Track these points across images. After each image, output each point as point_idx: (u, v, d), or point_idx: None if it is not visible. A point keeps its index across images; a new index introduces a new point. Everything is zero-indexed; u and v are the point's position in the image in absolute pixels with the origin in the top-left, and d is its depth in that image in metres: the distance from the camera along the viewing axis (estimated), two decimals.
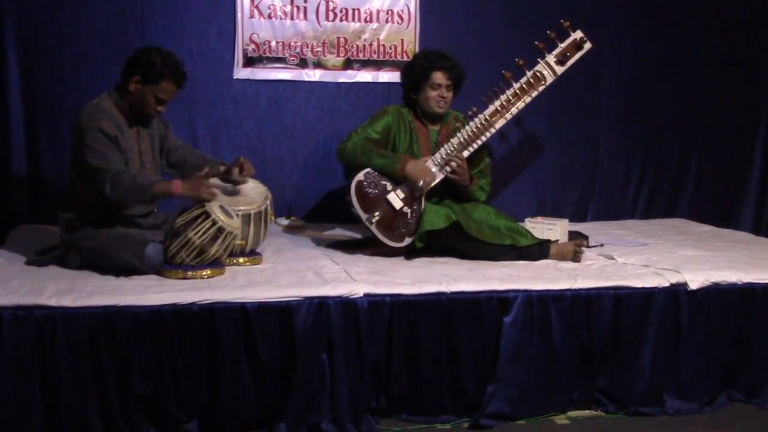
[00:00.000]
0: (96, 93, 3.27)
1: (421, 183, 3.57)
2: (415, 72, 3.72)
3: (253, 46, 4.39)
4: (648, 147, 5.02)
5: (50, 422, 2.68)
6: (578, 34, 3.83)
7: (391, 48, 4.57)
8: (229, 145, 4.42)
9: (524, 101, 3.77)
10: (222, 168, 3.39)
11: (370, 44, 4.54)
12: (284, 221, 4.37)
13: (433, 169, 3.65)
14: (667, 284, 3.20)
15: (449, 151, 3.67)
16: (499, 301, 3.05)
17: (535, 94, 3.79)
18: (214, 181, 3.39)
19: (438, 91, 3.71)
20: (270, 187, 3.52)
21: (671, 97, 5.01)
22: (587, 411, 3.18)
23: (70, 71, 4.14)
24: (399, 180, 3.60)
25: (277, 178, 4.44)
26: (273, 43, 4.42)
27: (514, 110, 3.75)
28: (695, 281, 3.22)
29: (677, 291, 3.21)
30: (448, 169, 3.67)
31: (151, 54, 3.15)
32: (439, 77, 3.70)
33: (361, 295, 2.93)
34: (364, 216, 3.54)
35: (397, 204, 3.58)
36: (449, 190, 3.77)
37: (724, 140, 5.13)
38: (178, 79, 3.19)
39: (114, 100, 3.20)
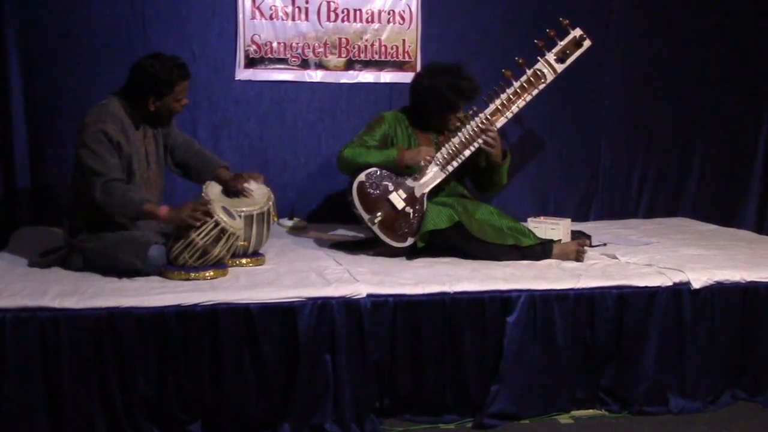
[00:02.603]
0: (98, 97, 3.26)
1: (422, 163, 3.56)
2: (443, 100, 3.64)
3: (254, 47, 4.39)
4: (650, 146, 5.01)
5: (54, 424, 2.68)
6: (577, 32, 3.83)
7: (392, 48, 4.56)
8: (231, 146, 4.42)
9: (525, 100, 3.76)
10: (226, 174, 3.38)
11: (372, 45, 4.54)
12: (287, 222, 4.37)
13: (434, 168, 3.64)
14: (670, 283, 3.20)
15: (450, 151, 3.66)
16: (502, 301, 3.05)
17: (535, 92, 3.78)
18: (214, 185, 3.39)
19: (456, 114, 3.72)
20: (272, 187, 3.52)
21: (673, 96, 5.00)
22: (591, 410, 3.18)
23: (72, 74, 4.14)
24: (400, 169, 3.59)
25: (280, 179, 4.44)
26: (274, 44, 4.42)
27: (514, 109, 3.75)
28: (698, 280, 3.22)
29: (680, 290, 3.21)
30: (450, 168, 3.67)
31: (148, 70, 3.11)
32: (461, 104, 3.70)
33: (364, 295, 2.93)
34: (366, 216, 3.54)
35: (399, 204, 3.57)
36: (473, 171, 3.80)
37: (726, 139, 5.12)
38: (185, 74, 3.19)
39: (123, 105, 3.19)
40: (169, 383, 2.77)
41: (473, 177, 3.91)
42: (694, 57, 4.97)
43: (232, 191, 3.36)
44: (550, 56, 3.80)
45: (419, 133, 3.79)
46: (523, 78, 3.77)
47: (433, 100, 3.68)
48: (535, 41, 3.79)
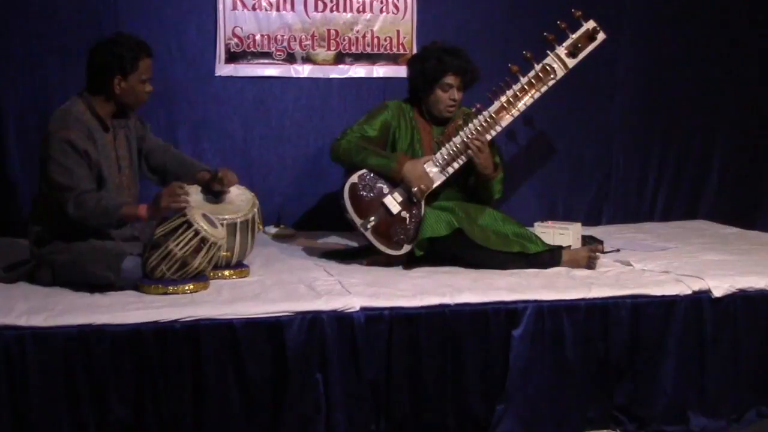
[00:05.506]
0: (67, 95, 3.28)
1: (415, 189, 3.58)
2: (427, 73, 3.69)
3: (236, 40, 4.40)
4: (666, 144, 5.03)
5: None
6: (591, 24, 3.83)
7: (386, 40, 4.58)
8: (212, 148, 4.43)
9: (532, 97, 3.76)
10: (206, 176, 3.40)
11: (363, 36, 4.55)
12: (273, 230, 4.38)
13: (434, 170, 3.66)
14: (689, 292, 3.22)
15: (451, 152, 3.67)
16: (508, 313, 3.06)
17: (544, 89, 3.78)
18: (195, 188, 3.40)
19: (448, 93, 3.72)
20: (257, 193, 3.52)
21: (691, 90, 5.01)
22: (605, 431, 3.19)
23: (39, 72, 4.14)
24: (396, 181, 3.61)
25: (265, 183, 4.45)
26: (258, 37, 4.43)
27: (521, 107, 3.75)
28: (720, 288, 3.23)
29: (700, 299, 3.22)
30: (450, 170, 3.68)
31: (112, 49, 3.16)
32: (451, 79, 3.70)
33: (358, 308, 2.94)
34: (358, 222, 3.55)
35: (395, 208, 3.59)
36: (463, 185, 3.79)
37: (748, 135, 5.13)
38: (148, 51, 3.24)
39: (87, 103, 3.21)
40: (147, 407, 2.76)
41: (464, 189, 3.90)
42: (712, 51, 4.99)
43: (213, 192, 3.37)
44: (561, 50, 3.80)
45: (422, 125, 3.81)
46: (531, 73, 3.77)
47: (420, 76, 3.72)
48: (545, 34, 3.79)
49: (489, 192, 3.79)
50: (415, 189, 3.58)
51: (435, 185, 3.66)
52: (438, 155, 3.68)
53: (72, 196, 3.04)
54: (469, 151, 3.64)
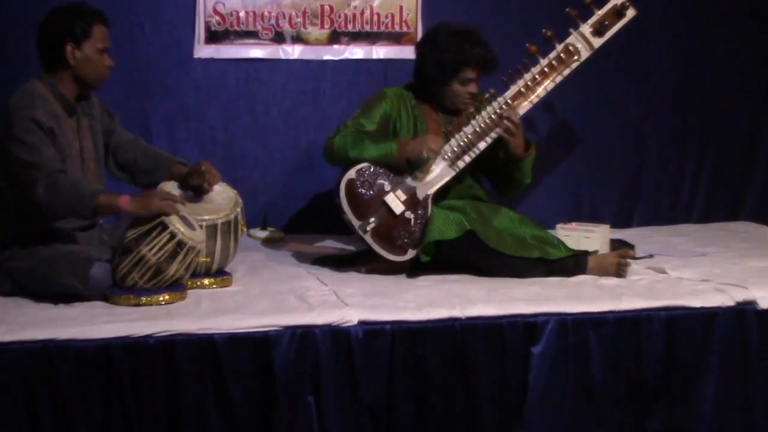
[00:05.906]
0: (26, 81, 3.28)
1: (425, 153, 3.56)
2: (445, 65, 3.68)
3: (217, 18, 4.40)
4: (705, 135, 5.03)
5: None
6: None
7: (387, 17, 4.58)
8: (190, 139, 4.43)
9: (554, 81, 3.78)
10: (183, 170, 3.41)
11: (362, 13, 4.55)
12: (259, 233, 4.39)
13: (442, 164, 3.66)
14: (731, 303, 3.22)
15: (461, 143, 3.68)
16: (526, 327, 3.06)
17: (567, 72, 3.80)
18: (172, 185, 3.41)
19: (467, 87, 3.72)
20: (241, 190, 3.53)
21: (733, 73, 5.01)
22: None
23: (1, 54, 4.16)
24: (401, 167, 3.60)
25: (249, 180, 4.46)
26: (242, 14, 4.43)
27: (541, 92, 3.76)
28: (766, 299, 3.24)
29: (744, 311, 3.23)
30: (460, 164, 3.69)
31: (60, 18, 3.22)
32: (471, 72, 3.71)
33: (356, 322, 2.94)
34: (356, 223, 3.55)
35: (398, 208, 3.59)
36: (490, 167, 3.83)
37: None
38: (102, 17, 3.28)
39: (48, 84, 3.22)
40: (117, 431, 2.79)
41: (490, 174, 3.93)
42: (758, 27, 4.98)
43: (192, 188, 3.39)
44: (586, 28, 3.81)
45: (427, 114, 3.82)
46: (553, 54, 3.78)
47: (434, 66, 3.71)
48: (568, 10, 3.79)
49: (521, 175, 3.82)
50: (425, 153, 3.55)
51: (444, 181, 3.66)
52: (447, 147, 3.67)
53: (43, 175, 3.03)
54: (498, 129, 3.65)
